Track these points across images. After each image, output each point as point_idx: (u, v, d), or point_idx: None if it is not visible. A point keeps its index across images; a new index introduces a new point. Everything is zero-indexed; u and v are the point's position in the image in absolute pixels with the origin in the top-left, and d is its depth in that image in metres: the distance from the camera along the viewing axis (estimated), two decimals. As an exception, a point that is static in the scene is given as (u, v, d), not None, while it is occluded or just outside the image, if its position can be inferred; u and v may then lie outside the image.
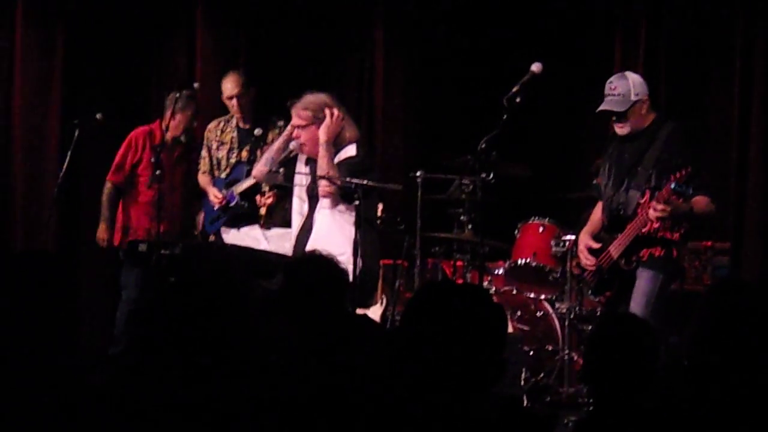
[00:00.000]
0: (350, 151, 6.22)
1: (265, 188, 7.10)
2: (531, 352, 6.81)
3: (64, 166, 7.40)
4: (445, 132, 8.45)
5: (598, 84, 6.06)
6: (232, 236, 7.10)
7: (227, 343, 2.58)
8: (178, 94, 7.33)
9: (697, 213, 5.65)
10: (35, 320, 2.64)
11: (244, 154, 7.33)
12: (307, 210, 6.31)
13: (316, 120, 6.24)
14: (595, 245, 5.92)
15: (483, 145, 5.85)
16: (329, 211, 6.20)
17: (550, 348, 6.90)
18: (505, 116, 5.74)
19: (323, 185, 6.12)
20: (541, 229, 7.28)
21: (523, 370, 6.62)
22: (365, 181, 5.99)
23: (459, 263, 7.32)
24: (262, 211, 7.17)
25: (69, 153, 7.37)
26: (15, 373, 2.60)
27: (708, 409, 3.06)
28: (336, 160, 6.17)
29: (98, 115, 7.44)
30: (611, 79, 5.91)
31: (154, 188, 7.04)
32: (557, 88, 7.84)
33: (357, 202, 5.98)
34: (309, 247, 6.08)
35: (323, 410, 3.24)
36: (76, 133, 7.39)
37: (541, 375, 6.79)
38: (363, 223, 6.01)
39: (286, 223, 6.66)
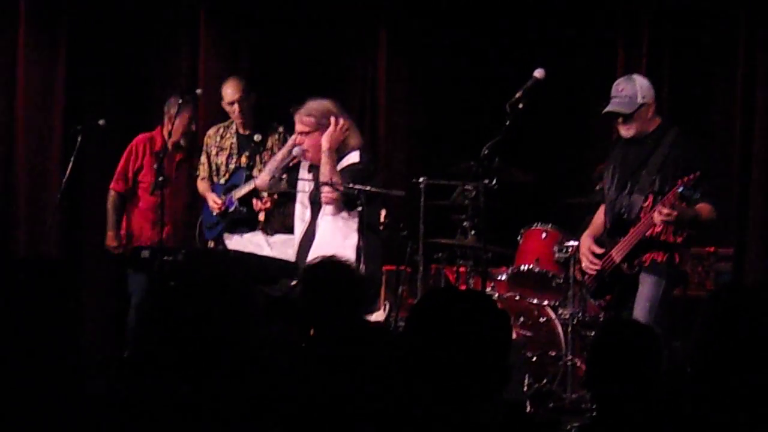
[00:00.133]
0: (353, 157, 6.22)
1: (264, 193, 7.11)
2: (534, 358, 6.81)
3: (67, 172, 7.41)
4: (448, 138, 8.45)
5: (600, 89, 6.05)
6: (235, 242, 7.10)
7: (228, 348, 2.58)
8: (173, 100, 7.37)
9: (700, 219, 5.65)
10: (38, 326, 2.64)
11: (244, 159, 7.33)
12: (310, 217, 6.31)
13: (320, 126, 6.24)
14: (598, 249, 5.91)
15: (486, 151, 5.85)
16: (332, 218, 6.20)
17: (553, 354, 6.90)
18: (508, 122, 5.74)
19: (326, 192, 6.12)
20: (544, 235, 7.28)
21: (526, 375, 6.62)
22: (368, 187, 5.99)
23: (462, 269, 7.32)
24: (261, 216, 7.16)
25: (72, 158, 7.39)
26: (17, 378, 2.60)
27: (711, 415, 3.05)
28: (339, 166, 6.17)
29: (101, 121, 7.47)
30: (618, 80, 5.92)
31: (157, 194, 7.05)
32: (560, 94, 7.84)
33: (360, 208, 5.98)
34: (312, 254, 6.09)
35: (328, 415, 3.24)
36: (79, 139, 7.41)
37: (544, 381, 6.79)
38: (366, 229, 6.01)
39: (286, 229, 6.66)
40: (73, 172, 7.42)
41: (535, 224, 7.34)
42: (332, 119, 6.20)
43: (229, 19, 8.59)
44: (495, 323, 2.65)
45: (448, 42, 8.69)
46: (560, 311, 6.99)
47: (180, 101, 7.33)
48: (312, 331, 4.36)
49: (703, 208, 5.62)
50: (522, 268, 7.22)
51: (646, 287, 5.72)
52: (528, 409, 6.45)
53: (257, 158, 7.24)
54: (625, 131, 5.84)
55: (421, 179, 6.60)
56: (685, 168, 5.53)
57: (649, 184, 5.73)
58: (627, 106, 5.78)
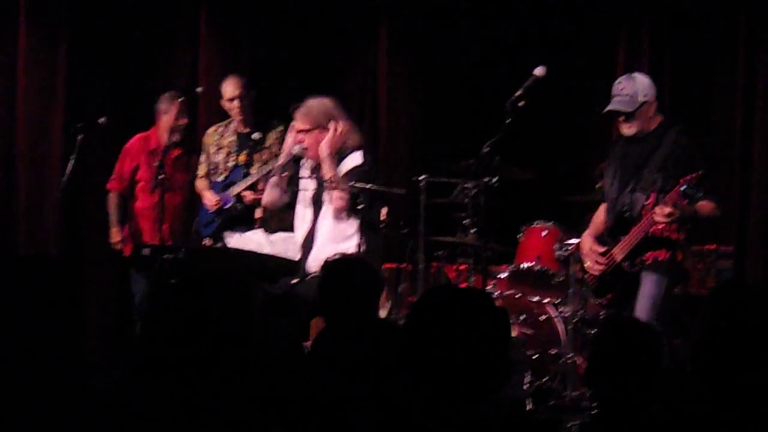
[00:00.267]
0: (356, 158, 6.21)
1: (260, 185, 7.10)
2: (534, 356, 6.81)
3: (68, 170, 7.41)
4: (449, 136, 8.44)
5: (601, 88, 6.05)
6: (235, 240, 7.10)
7: (230, 346, 2.58)
8: (162, 98, 7.42)
9: (701, 217, 5.66)
10: (39, 325, 2.64)
11: (242, 157, 7.33)
12: (312, 216, 6.31)
13: (320, 124, 6.24)
14: (600, 249, 5.92)
15: (486, 149, 5.86)
16: (333, 216, 6.20)
17: (554, 352, 6.89)
18: (508, 120, 5.74)
19: (336, 198, 6.10)
20: (544, 232, 7.27)
21: (527, 373, 6.62)
22: (369, 185, 5.99)
23: (462, 267, 7.32)
24: (258, 213, 7.16)
25: (73, 157, 7.39)
26: (18, 378, 2.60)
27: (712, 413, 3.06)
28: (343, 169, 6.17)
29: (102, 119, 7.47)
30: (620, 79, 5.92)
31: (157, 192, 7.07)
32: (561, 92, 7.83)
33: (360, 206, 5.99)
34: (314, 253, 6.10)
35: (329, 412, 3.24)
36: (80, 137, 7.41)
37: (545, 379, 6.79)
38: (366, 228, 6.02)
39: (283, 229, 6.67)
40: (74, 170, 7.42)
41: (536, 222, 7.33)
42: (331, 124, 6.19)
43: (230, 17, 8.59)
44: (494, 321, 2.66)
45: (449, 40, 8.68)
46: (561, 309, 6.98)
47: (166, 97, 7.39)
48: (313, 328, 4.38)
49: (706, 205, 5.62)
50: (522, 266, 7.22)
51: (648, 285, 5.73)
52: (528, 407, 6.45)
53: (256, 156, 7.25)
54: (627, 130, 5.84)
55: (421, 177, 6.60)
56: (686, 166, 5.53)
57: (651, 182, 5.73)
58: (628, 104, 5.79)
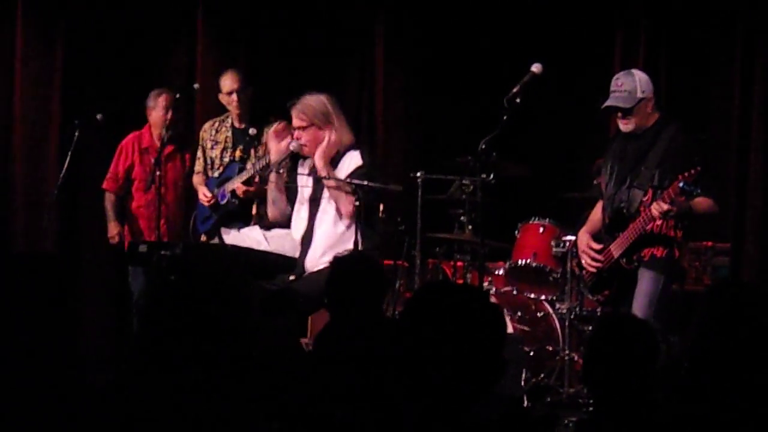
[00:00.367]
0: (355, 158, 6.17)
1: (256, 178, 7.09)
2: (531, 353, 6.81)
3: (64, 167, 7.41)
4: (446, 132, 8.45)
5: (598, 84, 6.05)
6: (233, 237, 7.08)
7: (227, 343, 2.58)
8: (150, 94, 7.46)
9: (698, 213, 5.66)
10: (36, 321, 2.64)
11: (238, 153, 7.33)
12: (308, 214, 6.30)
13: (317, 121, 6.22)
14: (597, 246, 5.92)
15: (483, 146, 5.85)
16: (331, 213, 6.20)
17: (551, 348, 6.90)
18: (505, 117, 5.74)
19: (347, 203, 6.08)
20: (541, 229, 7.28)
21: (524, 370, 6.62)
22: (365, 182, 5.98)
23: (459, 264, 7.33)
24: (254, 210, 7.16)
25: (69, 153, 7.39)
26: (15, 373, 2.60)
27: (708, 410, 3.06)
28: (343, 169, 6.15)
29: (98, 116, 7.47)
30: (618, 75, 5.92)
31: (152, 190, 7.07)
32: (557, 89, 7.84)
33: (357, 203, 5.98)
34: (312, 250, 6.09)
35: (324, 409, 3.24)
36: (77, 134, 7.41)
37: (542, 375, 6.80)
38: (365, 225, 6.01)
39: (279, 226, 6.66)
40: (71, 166, 7.42)
41: (533, 219, 7.34)
42: (325, 134, 6.15)
43: (227, 14, 8.58)
44: (488, 317, 2.65)
45: (446, 37, 8.68)
46: (557, 306, 6.99)
47: (153, 94, 7.42)
48: (310, 325, 4.38)
49: (703, 202, 5.62)
50: (519, 262, 7.23)
51: (645, 282, 5.73)
52: (525, 403, 6.45)
53: (251, 152, 7.25)
54: (625, 126, 5.84)
55: (418, 174, 6.60)
56: (684, 163, 5.53)
57: (648, 178, 5.73)
58: (626, 100, 5.78)
